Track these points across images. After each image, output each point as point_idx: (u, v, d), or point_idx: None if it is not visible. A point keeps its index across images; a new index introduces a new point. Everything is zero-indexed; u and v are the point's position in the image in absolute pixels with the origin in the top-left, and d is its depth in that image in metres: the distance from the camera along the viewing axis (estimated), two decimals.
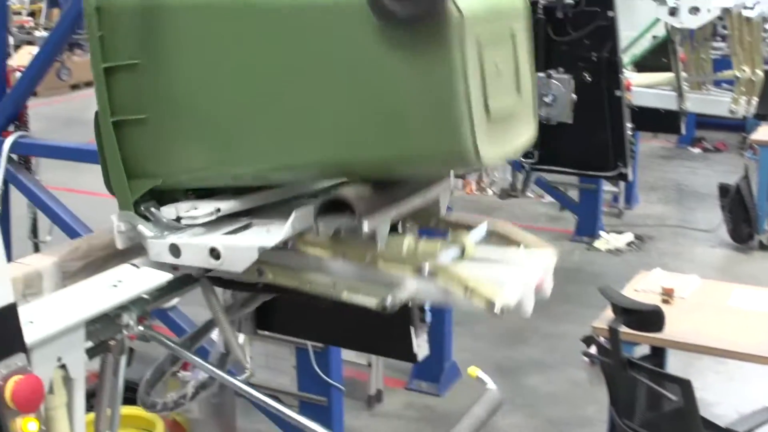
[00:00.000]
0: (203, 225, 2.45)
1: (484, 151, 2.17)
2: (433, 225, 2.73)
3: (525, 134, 2.52)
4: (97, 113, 2.52)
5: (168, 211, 2.47)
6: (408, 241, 2.39)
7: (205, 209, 2.44)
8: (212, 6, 2.37)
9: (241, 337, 3.10)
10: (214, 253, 2.38)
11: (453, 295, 2.32)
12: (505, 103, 2.36)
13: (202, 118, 2.42)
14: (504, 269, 2.46)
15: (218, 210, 2.45)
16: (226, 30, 2.36)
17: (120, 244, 2.52)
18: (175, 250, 2.43)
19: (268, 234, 2.41)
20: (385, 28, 2.14)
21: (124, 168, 2.47)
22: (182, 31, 2.40)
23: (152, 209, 2.48)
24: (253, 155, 2.38)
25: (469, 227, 2.62)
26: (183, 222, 2.45)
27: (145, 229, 2.46)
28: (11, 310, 1.95)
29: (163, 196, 2.52)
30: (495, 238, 2.66)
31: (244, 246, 2.38)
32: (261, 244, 2.36)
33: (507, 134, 2.39)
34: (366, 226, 2.27)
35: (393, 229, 2.46)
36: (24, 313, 2.05)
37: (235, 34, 2.35)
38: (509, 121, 2.40)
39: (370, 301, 2.36)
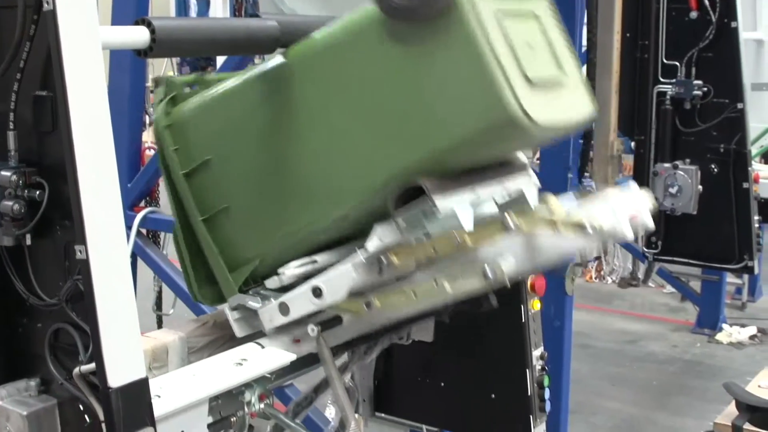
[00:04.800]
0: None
1: (534, 112, 2.21)
2: None
3: (580, 109, 2.53)
4: (174, 231, 2.68)
5: (272, 282, 2.58)
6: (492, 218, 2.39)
7: (301, 261, 2.54)
8: (257, 79, 2.54)
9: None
10: (317, 292, 2.49)
11: (541, 241, 2.33)
12: (546, 75, 2.39)
13: (277, 184, 2.54)
14: (588, 207, 2.40)
15: (315, 261, 2.55)
16: (275, 96, 2.50)
17: (239, 332, 2.65)
18: (284, 308, 2.56)
19: (352, 259, 2.46)
20: (401, 27, 2.26)
21: (224, 262, 2.61)
22: (240, 112, 2.57)
23: (258, 289, 2.61)
24: (334, 196, 2.46)
25: None
26: (285, 280, 2.53)
27: (254, 302, 2.59)
28: (143, 385, 2.00)
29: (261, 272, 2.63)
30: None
31: (339, 272, 2.48)
32: (354, 262, 2.44)
33: (558, 103, 2.42)
34: (438, 202, 2.31)
35: None
36: (152, 386, 2.09)
37: (283, 97, 2.48)
38: (557, 92, 2.43)
39: (472, 282, 2.40)
